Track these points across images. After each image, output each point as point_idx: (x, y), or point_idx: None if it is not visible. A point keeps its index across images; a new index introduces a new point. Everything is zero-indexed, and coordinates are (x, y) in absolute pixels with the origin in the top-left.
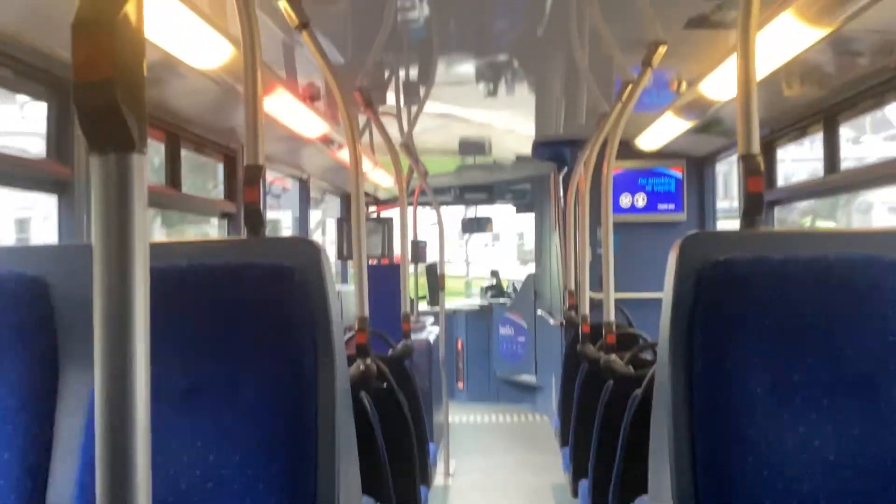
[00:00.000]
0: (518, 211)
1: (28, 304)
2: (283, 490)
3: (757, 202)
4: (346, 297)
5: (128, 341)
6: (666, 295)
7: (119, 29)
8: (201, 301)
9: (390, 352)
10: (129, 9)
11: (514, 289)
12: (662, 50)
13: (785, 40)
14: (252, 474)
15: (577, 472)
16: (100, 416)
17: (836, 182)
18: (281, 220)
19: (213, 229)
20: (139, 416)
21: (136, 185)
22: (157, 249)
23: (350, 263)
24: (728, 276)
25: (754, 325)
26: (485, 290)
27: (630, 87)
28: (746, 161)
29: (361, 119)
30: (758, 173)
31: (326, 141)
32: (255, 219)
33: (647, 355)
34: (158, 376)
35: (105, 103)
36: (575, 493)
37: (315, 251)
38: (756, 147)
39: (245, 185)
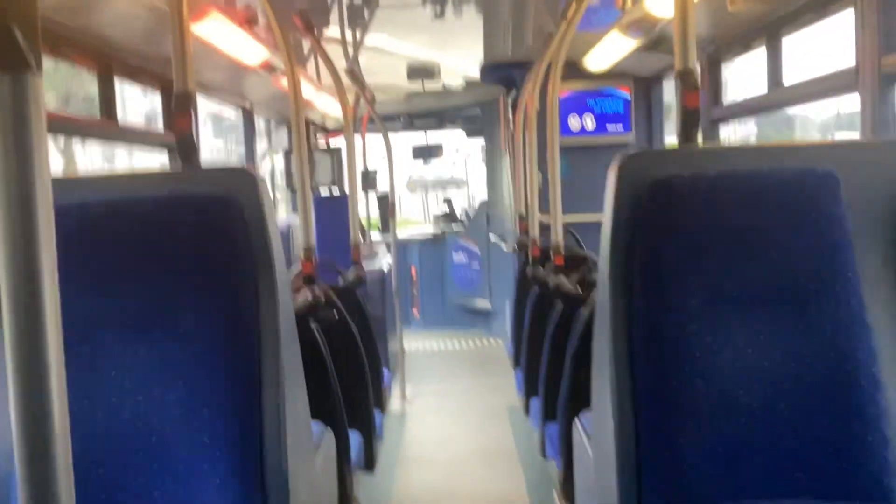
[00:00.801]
0: (468, 135)
1: None
2: (228, 414)
3: (694, 117)
4: (297, 229)
5: (34, 279)
6: (606, 214)
7: None
8: (137, 233)
9: (340, 280)
10: None
11: (468, 216)
12: None
13: None
14: (194, 400)
15: (529, 392)
16: (12, 359)
17: (781, 97)
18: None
19: None
20: (52, 355)
21: (33, 108)
22: (91, 182)
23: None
24: (665, 194)
25: (691, 241)
26: (438, 218)
27: (574, 4)
28: (683, 77)
29: (306, 46)
30: (694, 88)
31: (268, 68)
32: (188, 148)
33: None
34: (98, 308)
35: None
36: (527, 412)
37: (252, 180)
38: (693, 62)
39: (175, 113)
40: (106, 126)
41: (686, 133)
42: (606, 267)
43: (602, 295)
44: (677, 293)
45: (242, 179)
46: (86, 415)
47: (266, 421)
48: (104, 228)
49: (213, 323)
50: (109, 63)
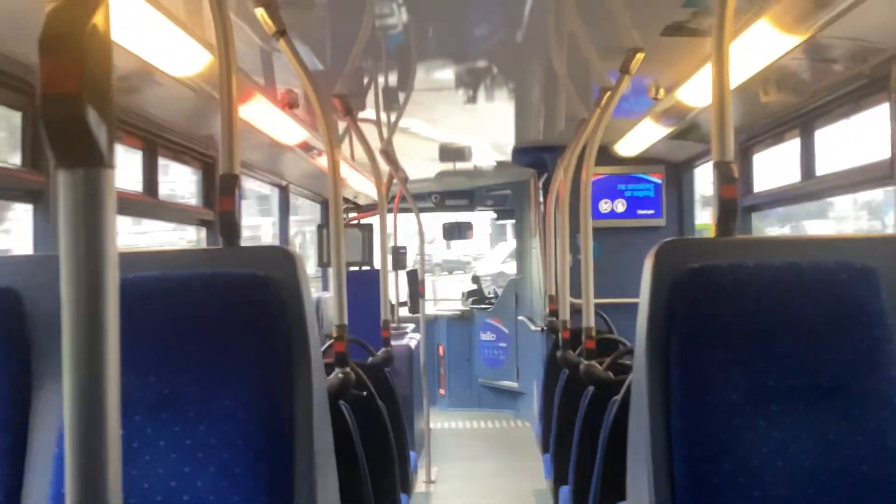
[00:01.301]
0: (498, 217)
1: (0, 315)
2: (259, 501)
3: (731, 209)
4: (328, 303)
5: (98, 360)
6: (642, 302)
7: (87, 42)
8: (175, 311)
9: (370, 359)
10: (98, 22)
11: (496, 294)
12: (640, 57)
13: (761, 47)
14: (228, 486)
15: (559, 479)
16: (70, 429)
17: (813, 187)
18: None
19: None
20: (110, 429)
21: (106, 201)
22: (130, 258)
23: (331, 270)
24: (703, 283)
25: (729, 332)
26: (466, 296)
27: (608, 93)
28: (720, 168)
29: (341, 126)
30: (732, 181)
31: (306, 148)
32: (230, 228)
33: (628, 361)
34: (133, 388)
35: (73, 118)
36: (556, 500)
37: (291, 260)
38: (730, 154)
39: (220, 194)
40: (148, 202)
41: (724, 224)
42: (643, 357)
43: (638, 385)
44: (717, 386)
45: (281, 258)
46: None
47: None
48: (140, 306)
49: (247, 405)
50: (154, 142)
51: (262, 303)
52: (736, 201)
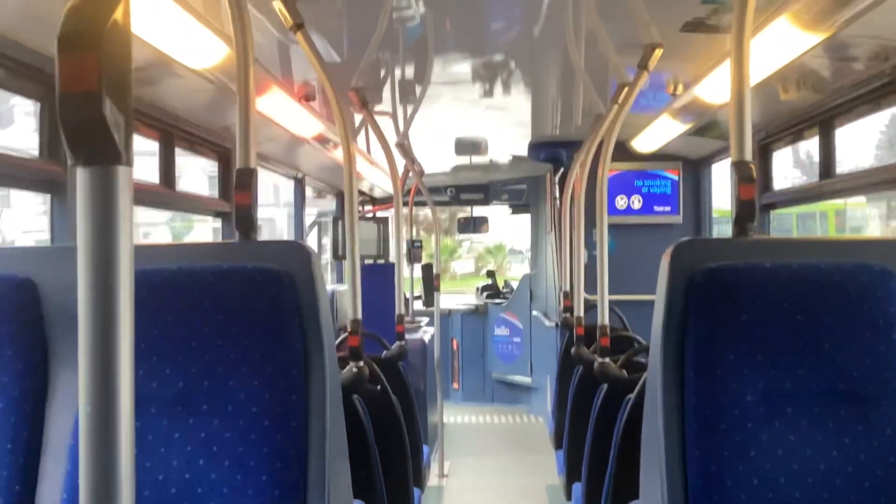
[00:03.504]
0: (514, 211)
1: (17, 306)
2: (272, 494)
3: (749, 209)
4: (341, 296)
5: (113, 354)
6: (658, 301)
7: (106, 41)
8: (191, 304)
9: (384, 353)
10: (118, 18)
11: (510, 288)
12: (659, 53)
13: (781, 45)
14: (241, 479)
15: (571, 475)
16: (84, 419)
17: (831, 187)
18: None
19: None
20: (123, 420)
21: (123, 199)
22: (147, 251)
23: (346, 262)
24: (719, 283)
25: (745, 333)
26: (480, 290)
27: (626, 89)
28: (739, 168)
29: (357, 118)
30: (750, 180)
31: (322, 140)
32: (246, 222)
33: (642, 358)
34: (148, 381)
35: (91, 117)
36: (569, 496)
37: (307, 255)
38: (749, 154)
39: (237, 188)
40: (165, 193)
41: (741, 224)
42: (658, 357)
43: (652, 385)
44: (732, 387)
45: (297, 253)
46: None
47: (310, 501)
48: (156, 299)
49: (261, 399)
50: (171, 133)
51: (278, 297)
52: (754, 202)
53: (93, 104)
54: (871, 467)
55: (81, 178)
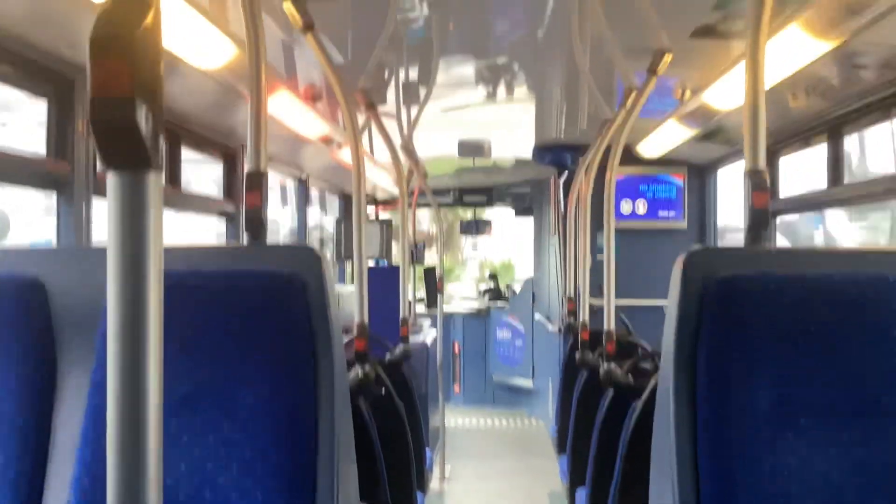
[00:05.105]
0: (517, 214)
1: (24, 306)
2: (281, 499)
3: (762, 218)
4: (345, 297)
5: (141, 361)
6: (669, 311)
7: (139, 45)
8: (199, 307)
9: (388, 355)
10: (148, 24)
11: (513, 291)
12: (668, 58)
13: (792, 52)
14: (250, 483)
15: (575, 481)
16: (112, 424)
17: (840, 195)
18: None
19: None
20: (152, 425)
21: (153, 203)
22: None
23: (348, 263)
24: (732, 293)
25: (759, 343)
26: (482, 293)
27: (634, 94)
28: (752, 176)
29: (361, 119)
30: (764, 189)
31: (327, 141)
32: (256, 225)
33: (647, 364)
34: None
35: (124, 121)
36: (572, 502)
37: (316, 259)
38: (762, 162)
39: (247, 190)
40: (170, 193)
41: (753, 233)
42: (670, 367)
43: (664, 391)
44: (745, 398)
45: (307, 257)
46: None
47: None
48: (172, 300)
49: (269, 403)
50: (177, 133)
51: (287, 301)
52: (767, 211)
53: (126, 109)
54: (884, 481)
55: (113, 182)
